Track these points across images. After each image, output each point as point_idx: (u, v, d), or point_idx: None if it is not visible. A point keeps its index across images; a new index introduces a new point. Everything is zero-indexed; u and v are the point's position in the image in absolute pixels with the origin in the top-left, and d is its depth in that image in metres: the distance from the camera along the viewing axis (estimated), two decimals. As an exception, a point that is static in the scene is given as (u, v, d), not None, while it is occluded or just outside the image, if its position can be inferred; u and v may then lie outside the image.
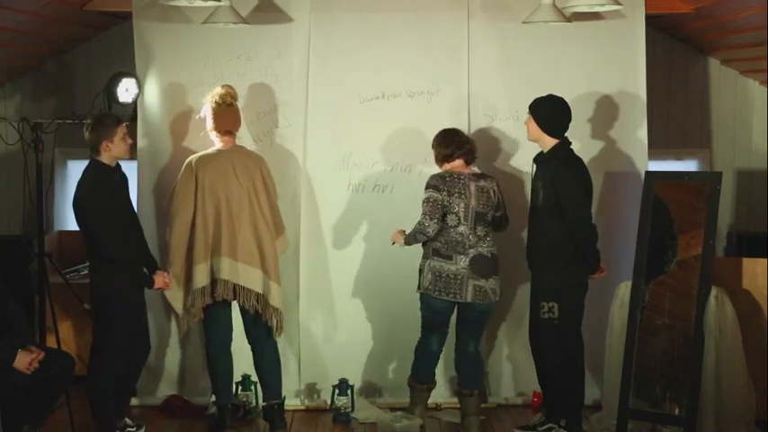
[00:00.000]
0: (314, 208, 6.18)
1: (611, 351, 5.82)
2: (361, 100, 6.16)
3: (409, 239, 5.65)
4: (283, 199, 6.01)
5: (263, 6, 6.10)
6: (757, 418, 5.65)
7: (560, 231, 5.40)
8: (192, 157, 5.67)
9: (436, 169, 5.68)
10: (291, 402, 6.11)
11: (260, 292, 5.59)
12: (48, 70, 7.19)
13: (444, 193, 5.54)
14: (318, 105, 6.14)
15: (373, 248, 6.16)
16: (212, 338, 5.73)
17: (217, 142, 5.69)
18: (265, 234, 5.63)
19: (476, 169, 5.73)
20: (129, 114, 6.07)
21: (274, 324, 5.64)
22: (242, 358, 5.84)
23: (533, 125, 5.50)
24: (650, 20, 6.31)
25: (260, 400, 5.95)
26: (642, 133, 6.22)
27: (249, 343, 5.75)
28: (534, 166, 5.59)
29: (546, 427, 5.66)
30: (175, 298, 5.67)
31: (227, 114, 5.66)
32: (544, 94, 5.56)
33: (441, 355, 5.85)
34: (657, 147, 6.94)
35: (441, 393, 6.10)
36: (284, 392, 5.81)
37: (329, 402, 6.08)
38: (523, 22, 5.87)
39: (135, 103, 6.12)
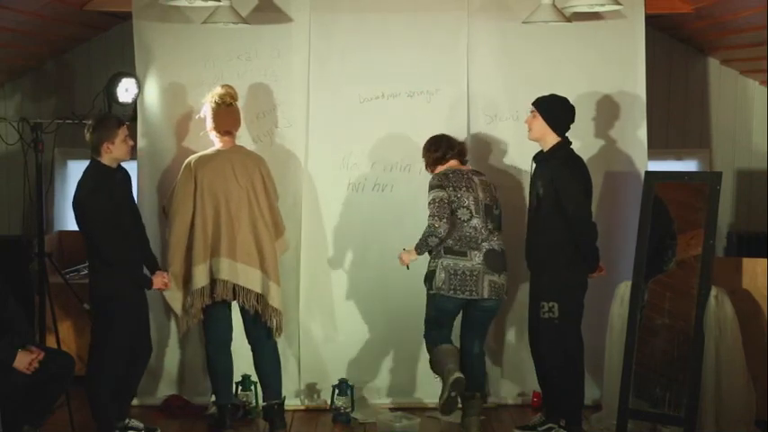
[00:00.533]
0: (315, 208, 6.18)
1: (611, 351, 5.82)
2: (361, 100, 6.16)
3: (421, 247, 5.54)
4: (284, 199, 6.01)
5: (263, 6, 6.10)
6: (757, 418, 5.65)
7: (560, 231, 5.40)
8: (192, 158, 5.67)
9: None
10: (291, 402, 6.11)
11: (259, 292, 5.59)
12: (48, 70, 7.19)
13: (450, 189, 5.51)
14: (318, 105, 6.14)
15: (373, 248, 6.16)
16: (212, 338, 5.73)
17: (216, 142, 5.69)
18: (264, 234, 5.63)
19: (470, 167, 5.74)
20: (129, 114, 6.07)
21: (274, 324, 5.64)
22: (242, 358, 5.84)
23: (539, 122, 5.48)
24: (650, 20, 6.31)
25: (260, 400, 5.96)
26: (642, 133, 6.23)
27: (249, 343, 5.75)
28: (533, 164, 5.59)
29: (546, 427, 5.66)
30: (174, 299, 5.68)
31: (226, 114, 5.67)
32: (545, 94, 5.56)
33: None
34: (657, 147, 6.94)
35: (441, 393, 6.09)
36: (284, 392, 5.81)
37: (329, 402, 6.09)
38: (523, 22, 5.87)
39: (135, 103, 6.12)
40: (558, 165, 5.43)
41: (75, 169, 6.96)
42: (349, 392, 6.03)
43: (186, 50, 6.12)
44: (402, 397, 6.17)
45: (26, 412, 5.10)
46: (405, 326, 6.04)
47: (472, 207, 5.51)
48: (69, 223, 7.04)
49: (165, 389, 6.27)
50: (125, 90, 6.06)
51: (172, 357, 6.27)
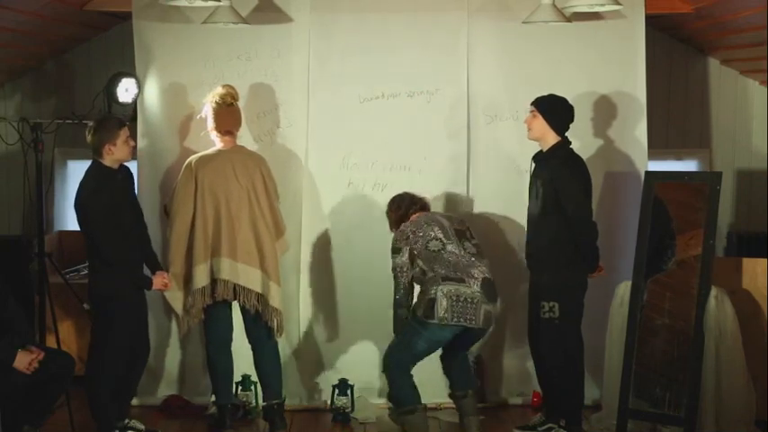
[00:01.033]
0: (315, 207, 6.18)
1: (611, 351, 5.82)
2: (361, 100, 6.16)
3: (396, 327, 5.50)
4: (285, 199, 6.01)
5: (263, 6, 6.10)
6: (757, 418, 5.65)
7: (560, 230, 5.39)
8: (192, 158, 5.67)
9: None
10: (291, 402, 6.11)
11: (260, 292, 5.59)
12: (48, 70, 7.19)
13: (405, 247, 5.44)
14: (318, 105, 6.14)
15: (373, 247, 6.15)
16: (212, 338, 5.73)
17: (217, 142, 5.70)
18: (265, 234, 5.63)
19: None
20: (129, 114, 6.07)
21: (275, 324, 5.65)
22: (242, 358, 5.84)
23: (540, 122, 5.48)
24: (650, 20, 6.31)
25: (260, 400, 5.96)
26: (642, 133, 6.23)
27: (250, 343, 5.75)
28: (533, 164, 5.59)
29: (546, 427, 5.65)
30: (175, 298, 5.68)
31: (227, 114, 5.67)
32: (545, 94, 5.56)
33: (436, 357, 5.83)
34: (657, 147, 6.93)
35: (440, 393, 6.08)
36: (284, 392, 5.81)
37: (329, 402, 6.09)
38: (523, 22, 5.87)
39: (135, 103, 6.12)
40: (557, 164, 5.43)
41: (76, 169, 6.96)
42: (349, 392, 6.03)
43: (186, 50, 6.12)
44: (402, 397, 6.17)
45: (26, 412, 5.10)
46: (405, 326, 6.04)
47: (440, 235, 5.44)
48: (69, 223, 7.04)
49: (166, 389, 6.27)
50: (125, 90, 6.06)
51: (172, 357, 6.27)
